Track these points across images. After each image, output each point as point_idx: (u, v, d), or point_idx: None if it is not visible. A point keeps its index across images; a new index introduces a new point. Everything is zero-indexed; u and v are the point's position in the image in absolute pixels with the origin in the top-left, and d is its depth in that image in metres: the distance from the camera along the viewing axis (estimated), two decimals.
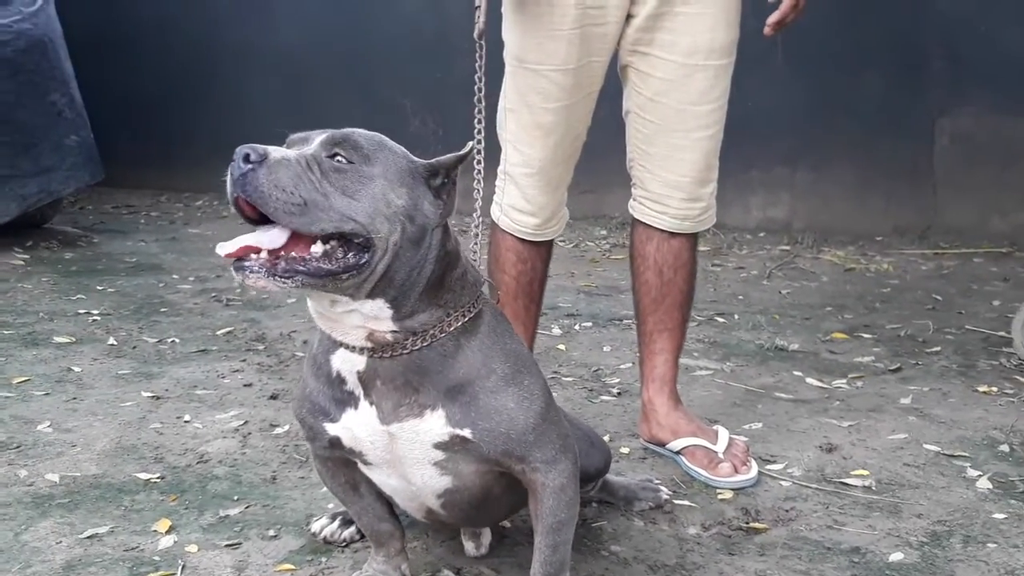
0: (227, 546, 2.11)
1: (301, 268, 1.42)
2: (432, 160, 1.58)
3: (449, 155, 1.58)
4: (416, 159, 1.58)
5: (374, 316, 1.53)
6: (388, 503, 1.89)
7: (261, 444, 2.69)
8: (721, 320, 4.20)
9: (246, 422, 2.86)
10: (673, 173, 2.49)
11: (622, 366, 3.50)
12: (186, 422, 2.85)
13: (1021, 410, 3.01)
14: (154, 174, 8.18)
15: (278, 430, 2.79)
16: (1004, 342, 3.84)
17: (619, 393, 3.20)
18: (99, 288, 4.70)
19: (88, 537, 2.14)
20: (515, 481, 1.72)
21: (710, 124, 2.48)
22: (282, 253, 1.42)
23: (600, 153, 3.06)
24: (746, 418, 2.95)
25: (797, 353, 3.71)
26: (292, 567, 2.03)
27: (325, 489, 2.35)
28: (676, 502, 2.37)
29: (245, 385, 3.21)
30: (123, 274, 5.09)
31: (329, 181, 1.44)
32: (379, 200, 1.47)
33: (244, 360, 3.51)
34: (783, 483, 2.48)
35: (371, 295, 1.50)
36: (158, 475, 2.47)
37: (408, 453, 1.63)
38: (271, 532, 2.18)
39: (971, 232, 5.95)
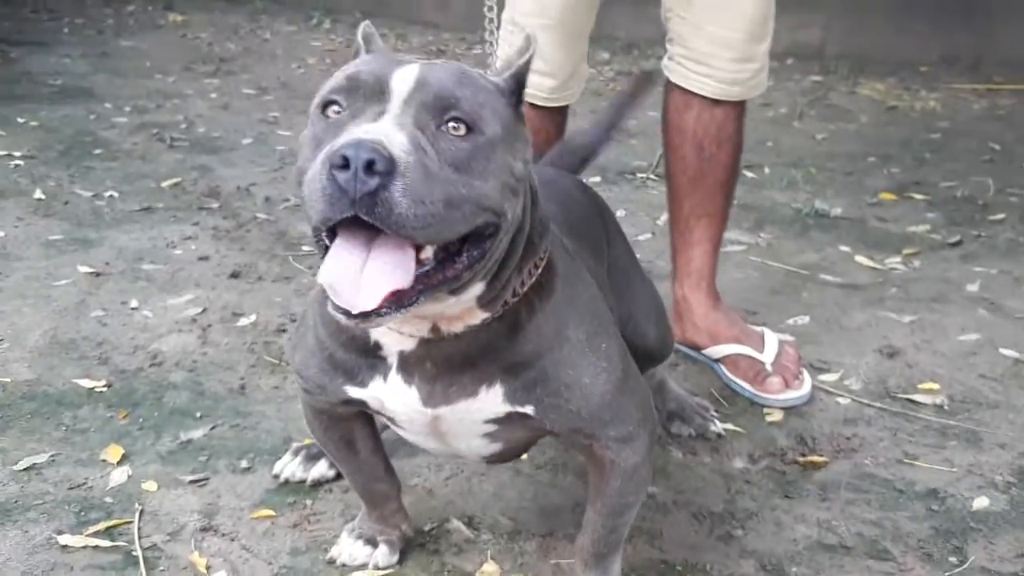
0: (192, 483, 1.97)
1: (422, 286, 1.20)
2: (509, 74, 1.30)
3: (518, 58, 1.31)
4: (495, 79, 1.29)
5: (458, 307, 1.32)
6: (385, 458, 1.74)
7: (224, 340, 2.53)
8: (750, 175, 4.01)
9: (204, 310, 2.68)
10: (723, 27, 2.26)
11: (640, 237, 3.33)
12: (133, 309, 2.68)
13: None
14: None
15: (243, 320, 2.63)
16: None
17: None
18: (20, 120, 4.45)
19: (25, 470, 1.99)
20: None
21: None
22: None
23: None
24: (790, 309, 2.81)
25: (841, 220, 3.55)
26: (271, 512, 1.89)
27: None
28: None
29: (200, 258, 3.02)
30: (47, 101, 4.82)
31: (452, 164, 1.18)
32: (504, 173, 1.23)
33: (196, 223, 3.31)
34: (840, 400, 2.35)
35: (471, 284, 1.29)
36: (104, 383, 2.31)
37: (453, 429, 1.47)
38: (243, 463, 2.04)
39: None
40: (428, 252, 1.20)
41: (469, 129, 1.20)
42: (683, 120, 2.39)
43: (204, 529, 1.85)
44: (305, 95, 5.09)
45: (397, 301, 1.17)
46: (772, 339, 2.44)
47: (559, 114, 2.44)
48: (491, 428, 1.47)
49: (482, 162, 1.20)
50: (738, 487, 2.03)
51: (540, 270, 1.38)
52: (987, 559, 1.83)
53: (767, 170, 4.08)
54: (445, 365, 1.39)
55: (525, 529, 1.88)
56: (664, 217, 3.07)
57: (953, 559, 1.82)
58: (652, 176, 3.98)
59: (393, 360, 1.41)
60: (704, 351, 2.47)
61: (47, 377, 2.33)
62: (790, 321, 2.74)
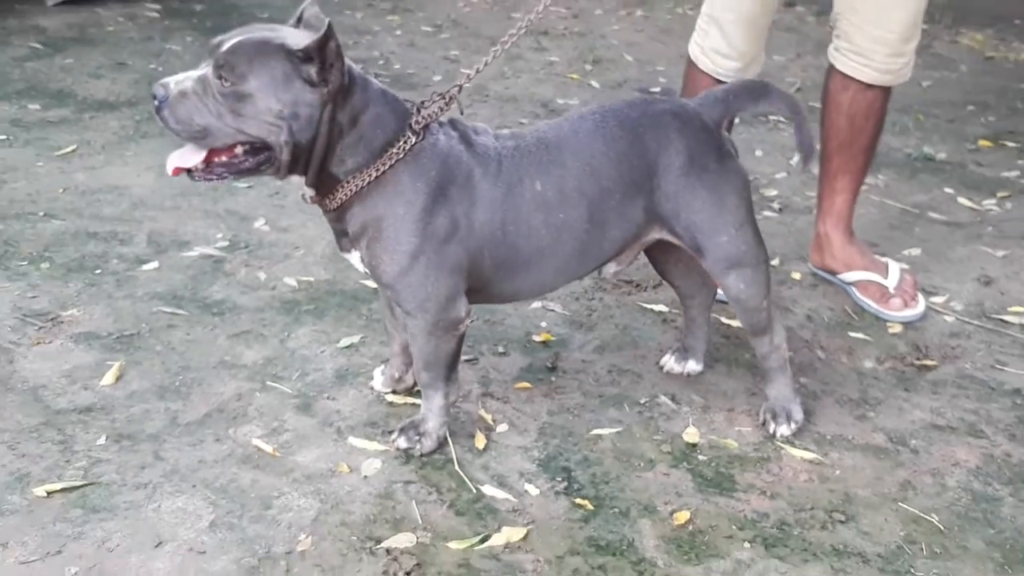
0: (466, 361, 2.55)
1: (227, 170, 1.93)
2: (303, 46, 1.84)
3: (314, 38, 1.84)
4: (292, 48, 1.84)
5: (299, 185, 2.01)
6: None
7: None
8: None
9: None
10: (881, 29, 2.72)
11: (777, 175, 3.82)
12: None
13: None
14: None
15: None
16: None
17: (780, 209, 3.54)
18: None
19: (346, 347, 2.58)
20: None
21: None
22: (214, 160, 1.91)
23: None
24: (905, 242, 3.30)
25: (945, 164, 4.00)
26: (528, 385, 2.47)
27: (536, 306, 2.78)
28: (851, 335, 2.76)
29: None
30: None
31: (221, 103, 1.85)
32: (261, 112, 1.86)
33: None
34: (947, 318, 2.86)
35: (288, 174, 1.95)
36: None
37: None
38: (500, 348, 2.62)
39: None
40: (239, 150, 1.91)
41: (233, 83, 1.84)
42: (841, 98, 2.86)
43: (484, 395, 2.43)
44: (476, 34, 5.60)
45: (207, 172, 1.92)
46: (895, 268, 2.94)
47: None
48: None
49: (239, 104, 1.85)
50: (868, 382, 2.56)
51: (378, 175, 1.97)
52: None
53: None
54: (332, 225, 2.10)
55: (714, 405, 2.43)
56: (796, 158, 3.57)
57: None
58: (783, 119, 4.44)
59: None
60: (840, 276, 2.98)
61: (340, 278, 2.92)
62: (905, 252, 3.23)
